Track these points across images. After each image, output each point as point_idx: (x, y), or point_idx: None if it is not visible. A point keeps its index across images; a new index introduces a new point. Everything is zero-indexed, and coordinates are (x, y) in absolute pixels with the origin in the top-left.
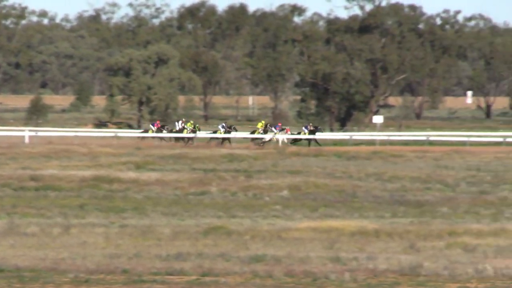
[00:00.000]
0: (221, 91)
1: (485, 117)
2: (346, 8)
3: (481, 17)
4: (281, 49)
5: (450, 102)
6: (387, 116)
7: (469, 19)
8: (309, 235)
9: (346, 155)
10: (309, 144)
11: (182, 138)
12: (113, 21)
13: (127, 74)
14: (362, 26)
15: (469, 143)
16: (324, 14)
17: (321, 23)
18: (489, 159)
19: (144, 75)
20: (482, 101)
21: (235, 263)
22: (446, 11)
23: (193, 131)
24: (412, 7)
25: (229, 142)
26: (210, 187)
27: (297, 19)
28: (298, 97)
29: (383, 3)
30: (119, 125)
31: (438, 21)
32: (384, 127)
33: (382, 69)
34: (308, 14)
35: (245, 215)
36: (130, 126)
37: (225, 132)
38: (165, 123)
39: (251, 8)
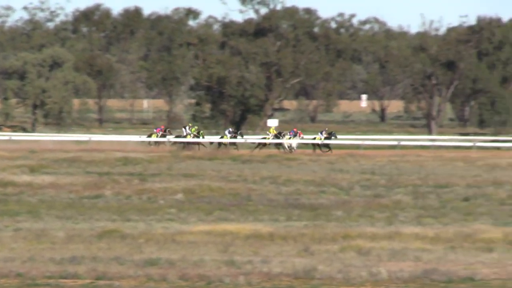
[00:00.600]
0: (116, 94)
1: (380, 121)
2: (241, 11)
3: (376, 20)
4: (176, 52)
5: (344, 105)
6: (282, 120)
7: (364, 22)
8: (204, 239)
9: (240, 159)
10: (314, 149)
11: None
12: (8, 24)
13: (22, 77)
14: (257, 30)
15: (363, 147)
16: (219, 17)
17: (216, 26)
18: (384, 163)
19: (39, 78)
20: (376, 104)
21: (129, 267)
22: (340, 14)
23: (196, 137)
24: (307, 11)
25: (236, 147)
26: (105, 190)
27: (192, 23)
28: (193, 101)
29: (278, 7)
30: (14, 128)
31: (333, 25)
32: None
33: (277, 72)
34: (203, 17)
35: (140, 218)
36: (24, 130)
37: (231, 137)
38: (168, 128)
39: (146, 12)
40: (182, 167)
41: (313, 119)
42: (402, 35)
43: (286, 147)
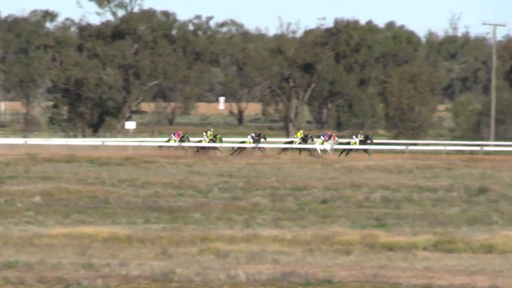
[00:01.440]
0: None
1: (238, 123)
2: (98, 14)
3: (233, 23)
4: (33, 54)
5: (202, 108)
6: (139, 122)
7: (222, 25)
8: (62, 242)
9: (98, 161)
10: (347, 153)
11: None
12: None
13: None
14: (115, 32)
15: (222, 149)
16: (76, 19)
17: (73, 28)
18: (242, 165)
19: None
20: (234, 107)
21: None
22: (198, 17)
23: (213, 141)
24: (165, 14)
25: (263, 151)
26: None
27: (49, 25)
28: (51, 103)
29: (136, 10)
30: None
31: (191, 27)
32: (137, 132)
33: (135, 75)
34: (61, 19)
35: None
36: None
37: (254, 142)
38: (186, 133)
39: (3, 14)
40: (39, 169)
41: (171, 122)
42: (260, 37)
43: (319, 150)
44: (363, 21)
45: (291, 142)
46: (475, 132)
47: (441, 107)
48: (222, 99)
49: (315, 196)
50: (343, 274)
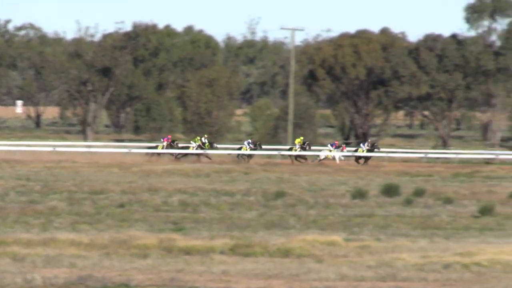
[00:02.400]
0: None
1: (35, 127)
2: None
3: (32, 26)
4: None
5: (0, 111)
6: None
7: (20, 28)
8: None
9: None
10: (358, 161)
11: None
12: None
13: None
14: None
15: (18, 153)
16: None
17: None
18: (39, 169)
19: None
20: (32, 110)
21: None
22: None
23: (201, 147)
24: None
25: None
26: None
27: None
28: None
29: None
30: None
31: None
32: None
33: None
34: None
35: None
36: None
37: (251, 149)
38: (176, 139)
39: None
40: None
41: None
42: (58, 41)
43: (322, 157)
44: (161, 25)
45: (290, 149)
46: (273, 136)
47: (239, 111)
48: (19, 102)
49: (113, 200)
50: (140, 278)
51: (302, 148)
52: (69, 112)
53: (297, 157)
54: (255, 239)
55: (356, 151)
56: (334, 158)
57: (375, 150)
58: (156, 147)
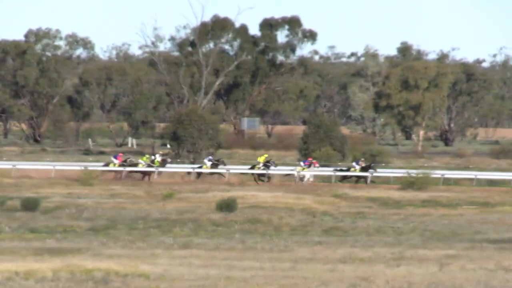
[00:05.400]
0: None
1: None
2: None
3: None
4: None
5: None
6: None
7: None
8: None
9: None
10: (356, 182)
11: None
12: None
13: None
14: None
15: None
16: None
17: None
18: None
19: None
20: None
21: None
22: None
23: (150, 166)
24: None
25: (223, 176)
26: None
27: None
28: None
29: None
30: None
31: None
32: None
33: None
34: None
35: None
36: None
37: (212, 166)
38: (128, 156)
39: None
40: None
41: None
42: None
43: (298, 178)
44: None
45: (253, 167)
46: None
47: None
48: None
49: None
50: None
51: (266, 166)
52: None
53: (260, 176)
54: None
55: (348, 170)
56: (304, 178)
57: (371, 170)
58: (107, 165)
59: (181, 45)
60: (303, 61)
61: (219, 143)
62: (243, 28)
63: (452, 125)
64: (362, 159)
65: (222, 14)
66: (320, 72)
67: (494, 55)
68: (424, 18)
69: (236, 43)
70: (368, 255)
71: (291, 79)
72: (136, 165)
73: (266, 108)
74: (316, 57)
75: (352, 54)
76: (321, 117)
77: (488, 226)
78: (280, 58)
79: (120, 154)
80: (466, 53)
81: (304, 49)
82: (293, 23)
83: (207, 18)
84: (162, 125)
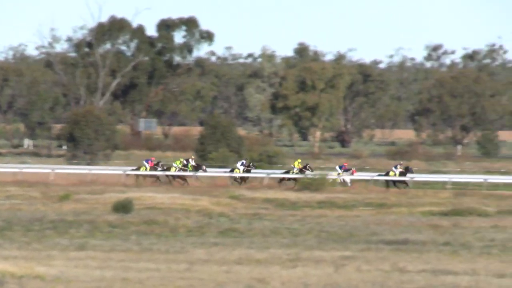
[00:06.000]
0: None
1: None
2: None
3: None
4: None
5: None
6: None
7: None
8: None
9: None
10: (394, 185)
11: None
12: None
13: None
14: None
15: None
16: None
17: None
18: None
19: None
20: None
21: None
22: None
23: (183, 170)
24: None
25: (245, 181)
26: None
27: None
28: None
29: None
30: None
31: None
32: None
33: None
34: None
35: None
36: None
37: (244, 171)
38: (159, 160)
39: None
40: None
41: None
42: None
43: (344, 181)
44: None
45: (287, 172)
46: None
47: None
48: None
49: None
50: None
51: (301, 171)
52: None
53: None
54: None
55: (387, 174)
56: (343, 182)
57: (409, 174)
58: (138, 169)
59: (78, 45)
60: (200, 62)
61: (115, 144)
62: (140, 29)
63: (349, 126)
64: (401, 162)
65: (119, 15)
66: (217, 73)
67: (391, 56)
68: (321, 19)
69: (133, 44)
70: (264, 256)
71: (188, 80)
72: (168, 169)
73: (163, 109)
74: (213, 58)
75: (249, 55)
76: (218, 118)
77: (383, 227)
78: (177, 59)
79: (152, 158)
80: (363, 54)
81: (201, 50)
82: (190, 23)
83: (104, 18)
84: (58, 126)
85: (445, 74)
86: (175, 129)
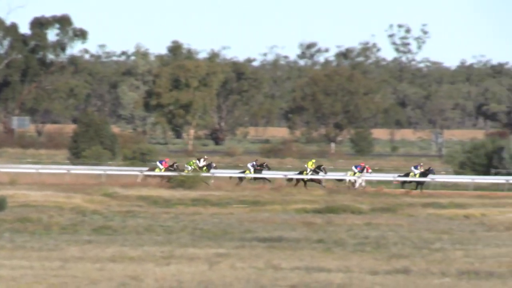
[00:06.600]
0: None
1: None
2: None
3: None
4: None
5: None
6: None
7: None
8: None
9: None
10: (416, 187)
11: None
12: None
13: None
14: None
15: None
16: None
17: None
18: None
19: None
20: None
21: None
22: None
23: (196, 171)
24: None
25: (269, 181)
26: None
27: None
28: None
29: None
30: None
31: None
32: None
33: None
34: None
35: None
36: None
37: (255, 172)
38: (175, 161)
39: None
40: None
41: None
42: None
43: (357, 184)
44: None
45: (301, 173)
46: None
47: None
48: None
49: None
50: None
51: (315, 172)
52: None
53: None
54: None
55: (407, 175)
56: (359, 183)
57: (430, 175)
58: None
59: None
60: (73, 60)
61: None
62: (14, 27)
63: (222, 124)
64: (421, 163)
65: None
66: (91, 71)
67: (265, 54)
68: (195, 17)
69: (6, 42)
70: (137, 253)
71: (62, 78)
72: (183, 170)
73: (37, 106)
74: (87, 56)
75: (123, 53)
76: (91, 116)
77: (257, 224)
78: (51, 57)
79: (166, 160)
80: (236, 52)
81: (75, 48)
82: (63, 21)
83: None
84: None
85: (318, 72)
86: (49, 127)
